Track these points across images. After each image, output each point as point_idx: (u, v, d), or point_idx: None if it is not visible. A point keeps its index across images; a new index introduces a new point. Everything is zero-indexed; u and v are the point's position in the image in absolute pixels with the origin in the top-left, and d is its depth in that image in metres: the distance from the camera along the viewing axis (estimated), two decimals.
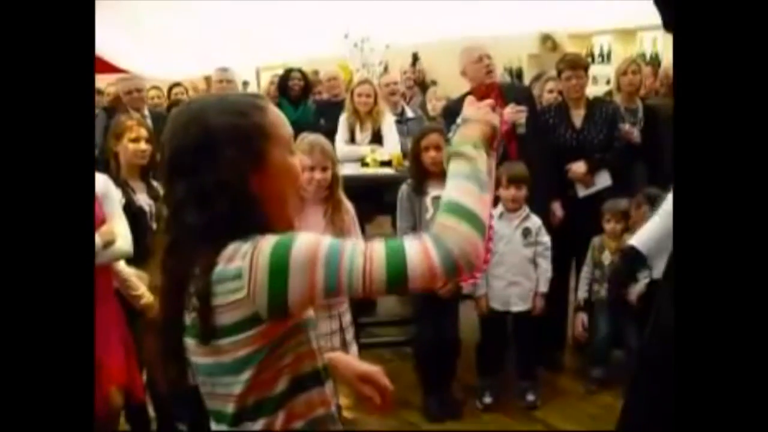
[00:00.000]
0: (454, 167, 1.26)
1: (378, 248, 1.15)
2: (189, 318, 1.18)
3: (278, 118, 1.28)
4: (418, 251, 1.13)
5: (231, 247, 1.15)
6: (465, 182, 1.22)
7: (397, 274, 1.13)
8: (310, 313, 1.27)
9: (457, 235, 1.14)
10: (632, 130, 4.14)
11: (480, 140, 1.29)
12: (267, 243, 1.14)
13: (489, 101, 1.41)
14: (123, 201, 2.97)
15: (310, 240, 1.15)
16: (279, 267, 1.12)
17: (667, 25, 1.75)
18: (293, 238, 1.15)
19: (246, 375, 1.17)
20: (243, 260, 1.13)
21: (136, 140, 3.14)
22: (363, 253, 1.14)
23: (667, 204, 2.13)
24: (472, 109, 1.37)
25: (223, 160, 1.18)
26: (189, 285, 1.16)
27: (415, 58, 5.76)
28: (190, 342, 1.20)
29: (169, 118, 1.31)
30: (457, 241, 1.14)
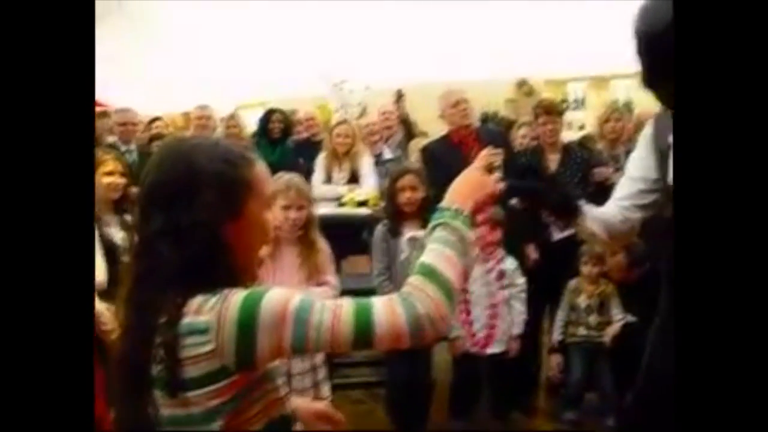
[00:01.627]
0: (439, 234, 1.27)
1: (346, 307, 1.15)
2: (155, 369, 1.16)
3: (263, 174, 1.30)
4: (386, 312, 1.14)
5: (198, 299, 1.15)
6: (445, 249, 1.24)
7: (363, 334, 1.14)
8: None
9: (426, 299, 1.15)
10: (610, 173, 4.13)
11: (470, 214, 1.32)
12: (236, 297, 1.14)
13: (495, 176, 1.42)
14: (95, 234, 2.95)
15: (279, 295, 1.16)
16: (247, 322, 1.12)
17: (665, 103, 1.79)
18: (263, 293, 1.15)
19: (216, 425, 1.16)
20: (210, 313, 1.13)
21: (110, 174, 3.13)
22: (332, 311, 1.14)
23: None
24: (467, 182, 1.39)
25: (202, 202, 1.19)
26: (155, 335, 1.15)
27: (399, 95, 5.71)
28: (157, 394, 1.18)
29: (158, 149, 1.33)
30: (425, 305, 1.15)
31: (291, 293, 1.17)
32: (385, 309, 1.14)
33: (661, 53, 1.73)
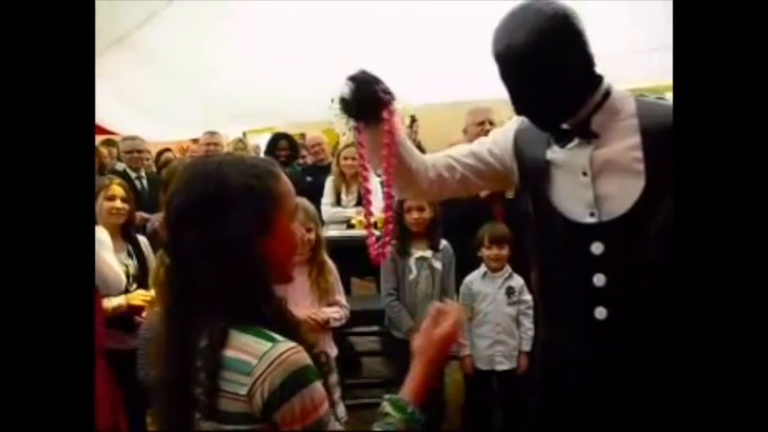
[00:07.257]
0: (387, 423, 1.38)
1: None
2: (195, 391, 1.18)
3: (288, 187, 1.33)
4: None
5: (244, 338, 1.17)
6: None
7: None
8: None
9: None
10: None
11: (417, 402, 1.43)
12: (297, 357, 1.16)
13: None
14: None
15: (323, 394, 1.20)
16: (291, 387, 1.14)
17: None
18: (315, 378, 1.18)
19: None
20: (260, 360, 1.15)
21: (111, 198, 3.15)
22: None
23: None
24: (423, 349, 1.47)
25: (236, 218, 1.21)
26: (196, 356, 1.18)
27: (413, 119, 5.71)
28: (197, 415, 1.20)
29: (181, 169, 1.35)
30: None
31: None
32: None
33: (523, 74, 1.69)
